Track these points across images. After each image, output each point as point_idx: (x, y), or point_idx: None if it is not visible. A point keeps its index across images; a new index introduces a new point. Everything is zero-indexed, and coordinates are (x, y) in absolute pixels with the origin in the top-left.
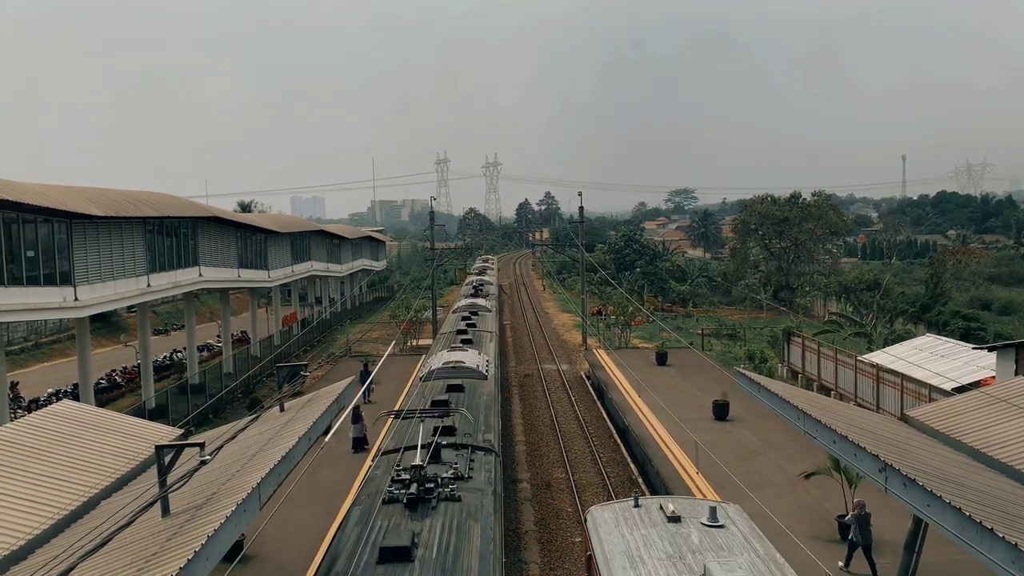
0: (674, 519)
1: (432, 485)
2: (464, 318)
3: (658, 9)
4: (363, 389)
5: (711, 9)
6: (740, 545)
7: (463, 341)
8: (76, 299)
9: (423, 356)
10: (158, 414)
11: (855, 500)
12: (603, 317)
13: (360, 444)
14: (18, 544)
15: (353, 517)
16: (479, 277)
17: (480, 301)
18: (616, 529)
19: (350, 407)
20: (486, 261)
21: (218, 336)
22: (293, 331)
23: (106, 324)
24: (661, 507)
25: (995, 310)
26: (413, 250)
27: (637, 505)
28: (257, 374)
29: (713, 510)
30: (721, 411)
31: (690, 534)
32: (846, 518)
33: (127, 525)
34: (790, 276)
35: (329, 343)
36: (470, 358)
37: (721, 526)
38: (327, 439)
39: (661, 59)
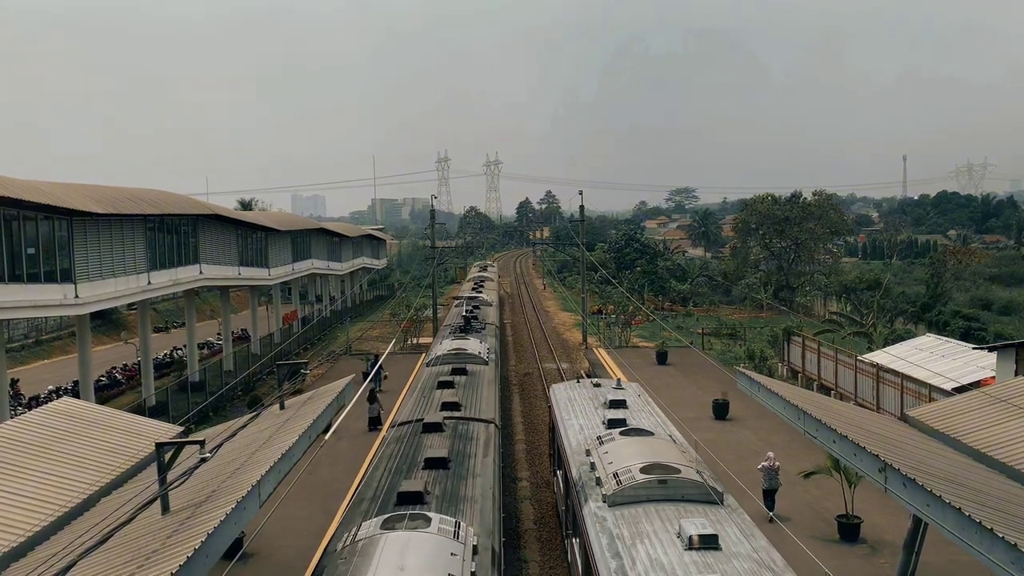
0: (596, 385)
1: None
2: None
3: (660, 8)
4: (372, 373)
5: (712, 8)
6: (628, 387)
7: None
8: (76, 296)
9: (424, 353)
10: (158, 411)
11: (767, 453)
12: (603, 316)
13: (375, 423)
14: (18, 541)
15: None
16: (475, 293)
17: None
18: (564, 391)
19: (365, 388)
20: (484, 269)
21: (218, 334)
22: (293, 329)
23: (106, 321)
24: (591, 382)
25: (995, 310)
26: (414, 248)
27: (578, 381)
28: (257, 372)
29: (619, 381)
30: (721, 410)
31: (605, 391)
32: (759, 466)
33: (127, 522)
34: (790, 275)
35: (329, 341)
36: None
37: (623, 388)
38: (327, 437)
39: (662, 58)
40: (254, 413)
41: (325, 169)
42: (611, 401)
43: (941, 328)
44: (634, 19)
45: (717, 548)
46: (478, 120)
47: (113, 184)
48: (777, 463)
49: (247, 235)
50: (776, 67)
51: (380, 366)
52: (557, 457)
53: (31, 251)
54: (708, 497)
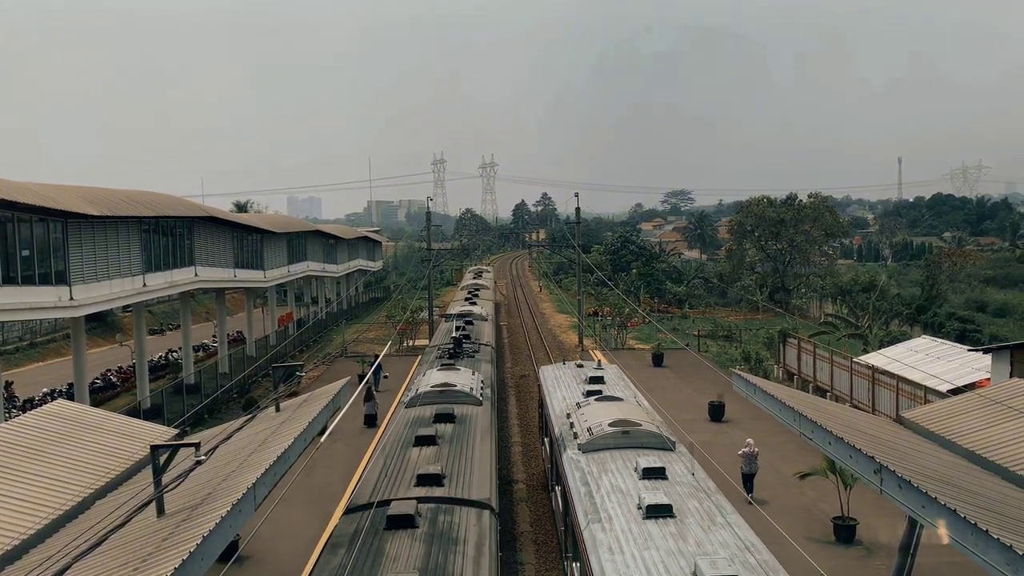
0: (579, 366)
1: None
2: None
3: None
4: (371, 371)
5: (709, 10)
6: (608, 368)
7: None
8: (71, 298)
9: (419, 356)
10: (153, 414)
11: (747, 441)
12: (599, 318)
13: (371, 420)
14: (12, 544)
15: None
16: (467, 306)
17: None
18: (551, 371)
19: (362, 388)
20: (479, 276)
21: (214, 336)
22: (289, 331)
23: (101, 324)
24: (574, 363)
25: (990, 312)
26: (409, 250)
27: (564, 363)
28: (253, 374)
29: (599, 362)
30: (717, 412)
31: (586, 371)
32: (739, 452)
33: (122, 525)
34: (786, 277)
35: (325, 343)
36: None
37: (602, 368)
38: (323, 439)
39: (657, 61)
40: (250, 416)
41: (321, 171)
42: (591, 377)
43: (936, 330)
44: (629, 21)
45: (664, 478)
46: (474, 122)
47: (108, 186)
48: (756, 449)
49: (243, 237)
50: (772, 69)
51: (379, 366)
52: (544, 425)
53: (25, 253)
54: (663, 444)
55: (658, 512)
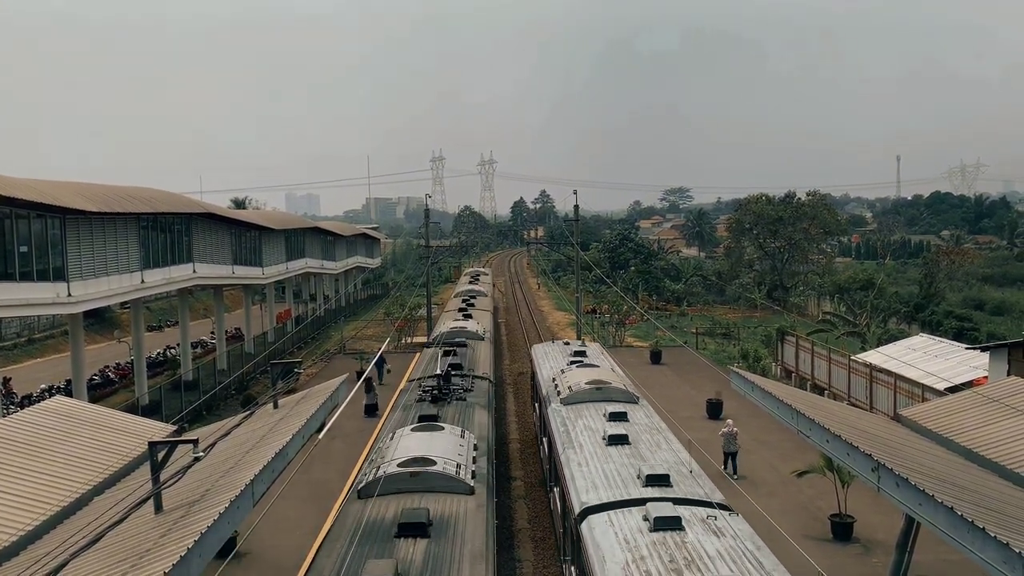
0: (566, 344)
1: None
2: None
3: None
4: (373, 363)
5: (707, 8)
6: (590, 346)
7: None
8: (69, 295)
9: (418, 353)
10: (151, 410)
11: (727, 421)
12: (597, 315)
13: (372, 410)
14: (10, 541)
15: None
16: (460, 321)
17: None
18: (541, 348)
19: (363, 378)
20: (475, 280)
21: (212, 333)
22: (287, 328)
23: (99, 320)
24: (562, 341)
25: (988, 310)
26: (408, 248)
27: (552, 342)
28: (251, 371)
29: (583, 340)
30: (715, 410)
31: (571, 347)
32: (720, 432)
33: (120, 522)
34: (784, 275)
35: (323, 340)
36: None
37: (585, 345)
38: (321, 436)
39: (656, 58)
40: (248, 412)
41: (319, 168)
42: (575, 351)
43: (934, 328)
44: (628, 19)
45: (626, 420)
46: (473, 120)
47: (106, 182)
48: (736, 429)
49: (241, 234)
50: (771, 67)
51: (383, 359)
52: (535, 393)
53: (23, 249)
54: (629, 398)
55: (617, 441)
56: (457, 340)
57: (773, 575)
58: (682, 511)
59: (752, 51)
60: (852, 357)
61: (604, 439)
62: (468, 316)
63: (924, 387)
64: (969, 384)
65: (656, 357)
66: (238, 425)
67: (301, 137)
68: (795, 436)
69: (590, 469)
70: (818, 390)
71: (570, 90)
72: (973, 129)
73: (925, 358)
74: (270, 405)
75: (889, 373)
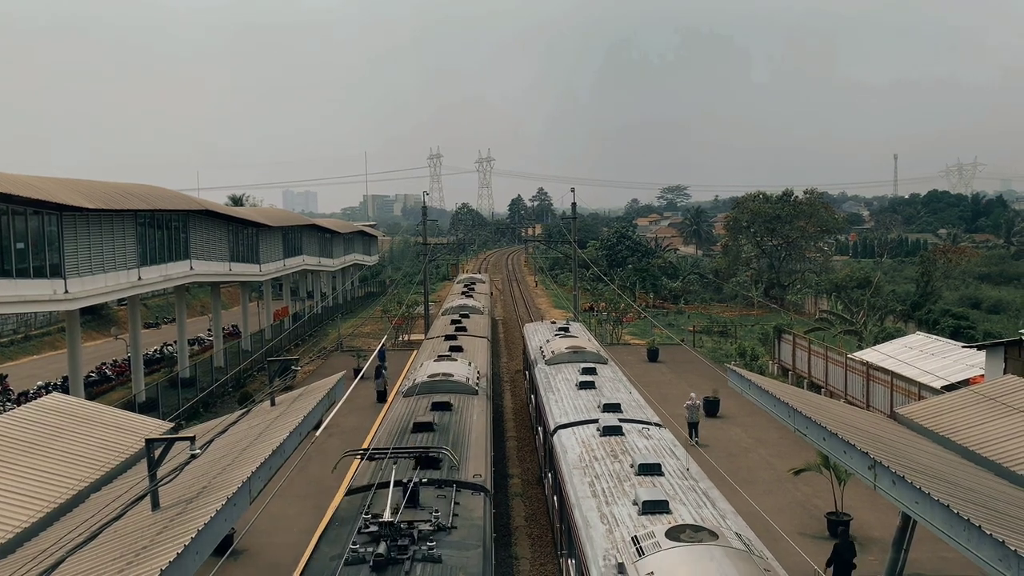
0: (553, 323)
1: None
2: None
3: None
4: (376, 353)
5: (706, 8)
6: (574, 324)
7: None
8: (66, 292)
9: (415, 352)
10: (148, 408)
11: (690, 395)
12: (595, 313)
13: (382, 396)
14: (7, 538)
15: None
16: (448, 348)
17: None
18: (532, 327)
19: (371, 364)
20: (470, 288)
21: (209, 330)
22: (284, 325)
23: (96, 317)
24: (550, 321)
25: (985, 309)
26: (405, 245)
27: (542, 321)
28: (248, 368)
29: (568, 319)
30: (712, 408)
31: (555, 325)
32: (684, 405)
33: (117, 519)
34: (781, 273)
35: (321, 338)
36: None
37: (570, 324)
38: (318, 433)
39: (655, 57)
40: (245, 409)
41: (317, 165)
42: (560, 327)
43: (931, 326)
44: (628, 19)
45: (595, 374)
46: (471, 118)
47: (104, 179)
48: (698, 402)
49: (238, 231)
50: (769, 66)
51: (384, 352)
52: (525, 361)
53: (20, 246)
54: (600, 359)
55: (586, 386)
56: (436, 399)
57: (683, 461)
58: (625, 426)
59: (750, 51)
60: (849, 355)
61: (576, 385)
62: (456, 347)
63: (921, 385)
64: (966, 382)
65: (653, 355)
66: (235, 422)
67: (300, 135)
68: (792, 434)
69: (563, 405)
70: (815, 388)
71: (569, 89)
72: (970, 128)
73: (922, 356)
74: (267, 402)
75: (886, 371)
